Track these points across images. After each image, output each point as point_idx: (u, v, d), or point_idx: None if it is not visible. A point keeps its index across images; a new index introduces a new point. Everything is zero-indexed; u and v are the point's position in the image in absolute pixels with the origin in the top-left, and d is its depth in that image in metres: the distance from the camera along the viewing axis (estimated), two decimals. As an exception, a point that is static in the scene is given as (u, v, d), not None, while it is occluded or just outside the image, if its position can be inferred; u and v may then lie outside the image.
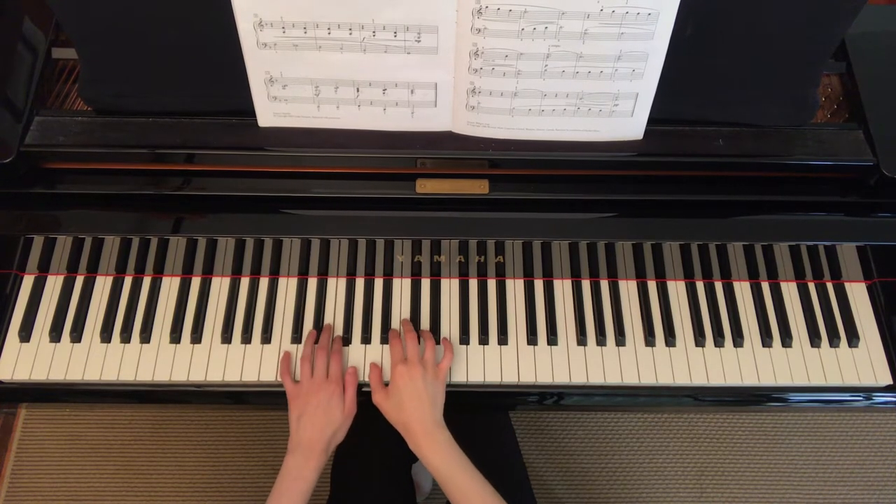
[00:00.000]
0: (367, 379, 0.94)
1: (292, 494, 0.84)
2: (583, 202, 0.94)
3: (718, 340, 0.97)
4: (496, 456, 1.06)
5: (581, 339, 0.96)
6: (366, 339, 0.97)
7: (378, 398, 0.91)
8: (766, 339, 0.97)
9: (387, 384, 0.92)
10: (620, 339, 0.96)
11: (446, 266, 1.00)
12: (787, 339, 0.97)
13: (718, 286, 1.00)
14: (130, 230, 0.94)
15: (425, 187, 0.92)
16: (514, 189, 0.93)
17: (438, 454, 0.85)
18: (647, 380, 0.95)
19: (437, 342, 0.95)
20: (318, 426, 0.87)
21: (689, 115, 0.90)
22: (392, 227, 0.93)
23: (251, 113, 0.87)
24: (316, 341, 0.95)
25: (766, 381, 0.95)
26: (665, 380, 0.95)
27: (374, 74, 0.83)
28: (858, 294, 1.00)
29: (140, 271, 0.99)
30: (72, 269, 0.99)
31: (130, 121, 0.89)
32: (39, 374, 0.93)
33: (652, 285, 1.00)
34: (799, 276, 1.01)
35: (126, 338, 0.96)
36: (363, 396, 0.94)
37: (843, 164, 0.90)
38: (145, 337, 0.96)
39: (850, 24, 0.83)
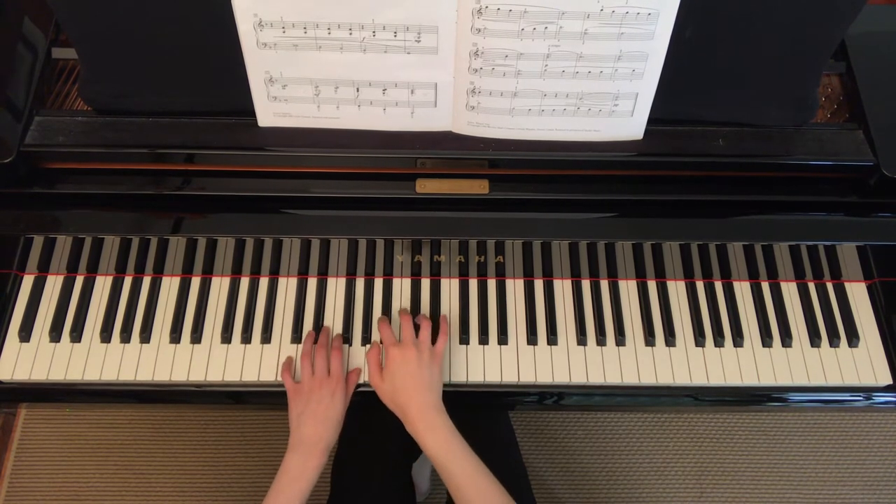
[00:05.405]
0: (366, 376, 0.94)
1: (291, 494, 0.83)
2: (583, 202, 0.94)
3: (718, 340, 0.97)
4: (495, 455, 1.06)
5: (581, 339, 0.96)
6: (366, 340, 0.97)
7: (374, 381, 0.90)
8: (766, 339, 0.97)
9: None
10: (620, 338, 0.96)
11: (446, 266, 1.00)
12: (787, 339, 0.97)
13: (718, 286, 1.00)
14: (130, 230, 0.94)
15: (425, 187, 0.92)
16: (514, 189, 0.93)
17: (436, 439, 0.83)
18: (647, 380, 0.95)
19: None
20: (320, 422, 0.87)
21: (689, 115, 0.90)
22: (392, 227, 0.93)
23: (251, 113, 0.87)
24: (315, 341, 0.95)
25: (766, 381, 0.95)
26: (665, 380, 0.95)
27: (374, 74, 0.83)
28: (858, 294, 1.00)
29: (140, 271, 0.99)
30: (72, 269, 0.99)
31: (130, 121, 0.89)
32: (39, 374, 0.93)
33: (652, 285, 1.00)
34: (799, 276, 1.01)
35: (126, 338, 0.96)
36: (360, 396, 0.94)
37: (843, 164, 0.90)
38: (145, 337, 0.96)
39: (850, 24, 0.83)
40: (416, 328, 0.93)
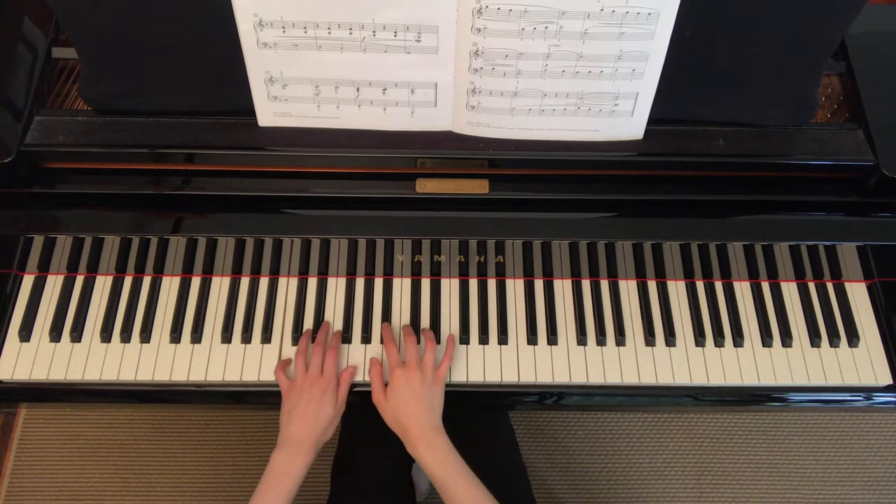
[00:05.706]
0: (366, 377, 0.94)
1: (279, 491, 0.84)
2: (583, 202, 0.94)
3: (718, 340, 0.97)
4: (495, 455, 1.06)
5: (581, 339, 0.96)
6: (366, 339, 0.97)
7: (377, 398, 0.91)
8: (767, 339, 0.97)
9: (387, 385, 0.92)
10: (620, 338, 0.96)
11: (446, 266, 1.00)
12: (787, 338, 0.97)
13: (718, 286, 1.00)
14: (130, 230, 0.94)
15: (425, 187, 0.92)
16: (514, 189, 0.93)
17: (435, 459, 0.84)
18: (647, 380, 0.94)
19: (438, 341, 0.95)
20: (308, 421, 0.87)
21: (690, 115, 0.90)
22: (392, 227, 0.93)
23: (251, 113, 0.87)
24: (314, 340, 0.95)
25: (766, 380, 0.95)
26: (665, 380, 0.95)
27: (375, 74, 0.83)
28: (858, 294, 1.00)
29: (140, 271, 0.99)
30: (72, 269, 0.99)
31: (130, 121, 0.89)
32: (39, 374, 0.93)
33: (652, 285, 1.00)
34: (799, 275, 1.01)
35: (126, 337, 0.96)
36: (359, 396, 0.94)
37: (843, 163, 0.90)
38: (145, 337, 0.95)
39: (850, 24, 0.83)
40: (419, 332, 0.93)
